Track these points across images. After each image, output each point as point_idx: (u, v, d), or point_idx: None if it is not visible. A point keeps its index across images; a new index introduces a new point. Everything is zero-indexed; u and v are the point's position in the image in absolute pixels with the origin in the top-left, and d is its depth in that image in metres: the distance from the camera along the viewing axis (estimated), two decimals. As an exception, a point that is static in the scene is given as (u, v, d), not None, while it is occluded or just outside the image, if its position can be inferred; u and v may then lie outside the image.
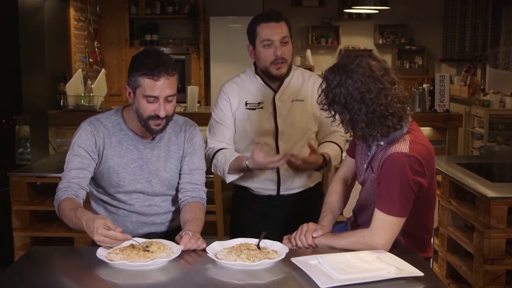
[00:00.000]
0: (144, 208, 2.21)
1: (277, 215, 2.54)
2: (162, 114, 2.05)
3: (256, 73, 2.54)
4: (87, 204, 2.23)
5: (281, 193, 2.52)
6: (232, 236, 2.48)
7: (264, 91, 2.51)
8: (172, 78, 2.05)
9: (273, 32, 2.39)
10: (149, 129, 2.10)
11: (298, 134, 2.50)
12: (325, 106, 1.95)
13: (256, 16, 2.48)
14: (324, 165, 2.41)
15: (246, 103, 2.51)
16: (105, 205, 2.23)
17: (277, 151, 2.47)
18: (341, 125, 2.00)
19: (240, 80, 2.57)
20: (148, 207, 2.22)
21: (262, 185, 2.52)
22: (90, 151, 2.13)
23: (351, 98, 1.86)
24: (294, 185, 2.52)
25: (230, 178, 2.47)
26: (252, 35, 2.46)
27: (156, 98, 2.04)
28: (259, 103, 2.50)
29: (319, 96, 1.96)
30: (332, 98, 1.91)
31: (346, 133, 2.01)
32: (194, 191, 2.23)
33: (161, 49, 2.11)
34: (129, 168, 2.17)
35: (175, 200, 2.29)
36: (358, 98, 1.85)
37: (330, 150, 2.48)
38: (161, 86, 2.03)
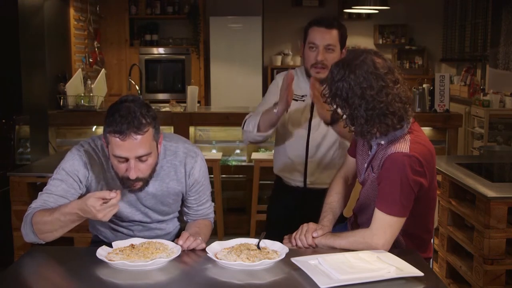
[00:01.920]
0: (145, 232, 2.15)
1: (303, 209, 2.58)
2: (132, 175, 1.84)
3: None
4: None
5: (308, 186, 2.59)
6: (268, 228, 2.59)
7: (309, 85, 2.57)
8: (144, 137, 1.82)
9: (320, 37, 2.47)
10: (127, 188, 1.92)
11: (329, 129, 2.53)
12: (328, 99, 1.96)
13: (313, 18, 2.56)
14: (336, 116, 2.33)
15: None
16: (109, 223, 2.13)
17: (307, 142, 2.56)
18: (343, 124, 2.00)
19: (293, 72, 2.66)
20: (148, 231, 2.16)
21: (291, 175, 2.63)
22: (78, 182, 1.98)
23: (353, 93, 1.87)
24: (321, 179, 2.56)
25: (255, 132, 2.47)
26: (304, 35, 2.56)
27: (126, 158, 1.84)
28: (302, 96, 2.60)
29: (323, 88, 1.97)
30: (334, 92, 1.91)
31: (344, 127, 2.01)
32: (202, 216, 2.20)
33: (137, 98, 1.88)
34: (124, 203, 2.04)
35: (178, 222, 2.25)
36: (359, 94, 1.86)
37: None
38: (130, 147, 1.80)
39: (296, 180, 2.62)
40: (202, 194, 2.16)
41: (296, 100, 2.59)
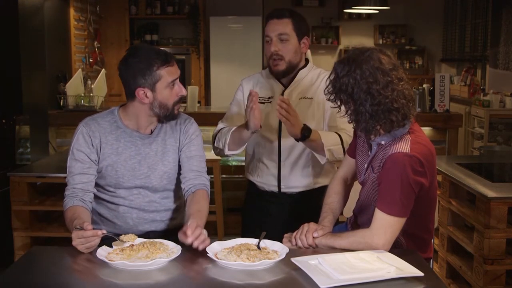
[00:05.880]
0: (144, 204, 2.22)
1: (279, 213, 2.56)
2: (184, 92, 2.18)
3: None
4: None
5: (282, 190, 2.54)
6: (243, 233, 2.56)
7: (275, 86, 2.57)
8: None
9: (272, 29, 2.46)
10: (173, 115, 2.19)
11: None
12: (332, 96, 1.96)
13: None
14: (307, 133, 2.32)
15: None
16: (105, 203, 2.24)
17: (279, 146, 2.51)
18: (347, 119, 1.99)
19: (258, 75, 2.67)
20: (148, 203, 2.23)
21: (265, 180, 2.57)
22: (89, 154, 2.15)
23: (358, 88, 1.87)
24: (295, 183, 2.53)
25: (226, 150, 2.47)
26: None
27: (176, 80, 2.15)
28: (269, 98, 2.56)
29: (327, 86, 1.97)
30: (339, 87, 1.91)
31: (349, 122, 2.00)
32: (196, 178, 2.23)
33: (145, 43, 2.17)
34: (127, 164, 2.18)
35: (175, 197, 2.30)
36: (365, 89, 1.86)
37: (324, 132, 2.42)
38: (176, 69, 2.15)
39: (270, 184, 2.56)
40: (193, 151, 2.26)
41: (263, 103, 2.54)
